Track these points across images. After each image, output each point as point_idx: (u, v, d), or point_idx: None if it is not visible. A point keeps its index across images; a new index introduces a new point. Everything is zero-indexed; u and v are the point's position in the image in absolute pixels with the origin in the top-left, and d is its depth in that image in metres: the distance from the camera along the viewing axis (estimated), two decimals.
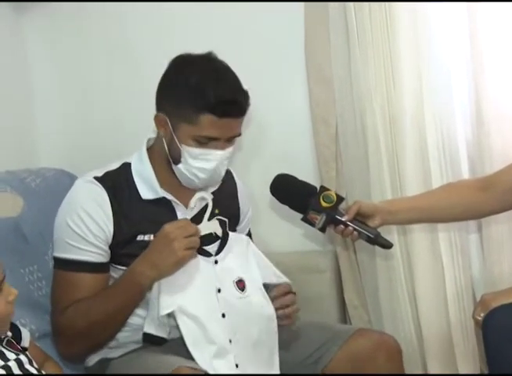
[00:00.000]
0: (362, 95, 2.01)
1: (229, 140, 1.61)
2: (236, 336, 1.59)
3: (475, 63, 1.94)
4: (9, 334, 1.37)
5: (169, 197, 1.64)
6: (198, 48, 1.63)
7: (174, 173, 1.65)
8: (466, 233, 2.05)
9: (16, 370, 1.30)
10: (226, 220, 1.71)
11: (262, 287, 1.66)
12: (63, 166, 1.99)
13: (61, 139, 2.29)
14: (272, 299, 1.65)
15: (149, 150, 1.69)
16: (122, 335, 1.63)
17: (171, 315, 1.54)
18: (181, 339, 1.55)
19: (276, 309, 1.63)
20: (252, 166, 2.19)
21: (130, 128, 2.22)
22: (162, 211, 1.64)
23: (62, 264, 1.61)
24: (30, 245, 1.70)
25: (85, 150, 2.26)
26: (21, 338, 1.40)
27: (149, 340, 1.56)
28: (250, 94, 1.60)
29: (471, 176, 2.00)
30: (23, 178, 1.81)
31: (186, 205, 1.66)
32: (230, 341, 1.58)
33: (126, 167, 1.67)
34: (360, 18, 1.97)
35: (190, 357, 1.53)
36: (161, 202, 1.64)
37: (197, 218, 1.63)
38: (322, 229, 1.66)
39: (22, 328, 1.43)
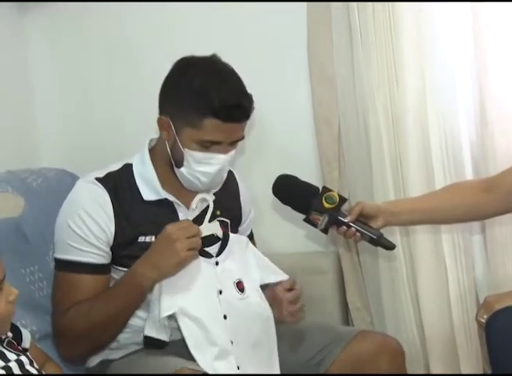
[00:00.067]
0: (364, 95, 2.00)
1: (232, 144, 1.61)
2: (237, 337, 1.59)
3: (479, 62, 1.93)
4: (10, 334, 1.37)
5: (171, 198, 1.64)
6: (199, 48, 1.62)
7: (175, 174, 1.64)
8: (469, 235, 2.04)
9: (16, 371, 1.30)
10: (228, 221, 1.71)
11: (259, 289, 1.66)
12: (64, 166, 1.99)
13: (61, 139, 2.29)
14: (272, 298, 1.65)
15: (151, 151, 1.68)
16: (123, 337, 1.63)
17: (172, 316, 1.54)
18: (182, 341, 1.55)
19: (280, 307, 1.64)
20: (254, 166, 2.18)
21: (130, 128, 2.22)
22: (164, 212, 1.63)
23: (63, 265, 1.61)
24: (31, 245, 1.70)
25: (86, 150, 2.26)
26: (22, 339, 1.40)
27: (150, 343, 1.55)
28: (252, 94, 1.59)
29: (475, 177, 1.99)
30: (24, 179, 1.80)
31: (188, 206, 1.65)
32: (231, 343, 1.58)
33: (128, 168, 1.67)
34: (363, 18, 1.96)
35: (192, 359, 1.53)
36: (163, 203, 1.64)
37: (199, 220, 1.63)
38: (325, 230, 1.65)
39: (22, 329, 1.43)
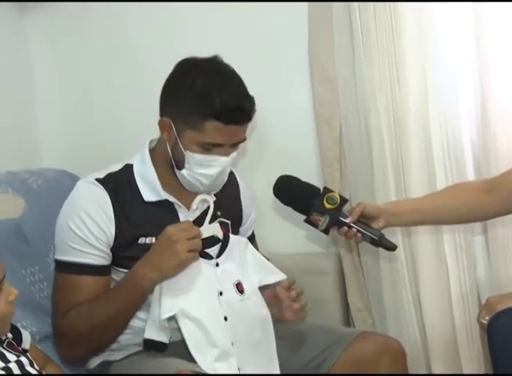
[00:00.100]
0: (366, 96, 2.00)
1: (234, 146, 1.60)
2: (238, 339, 1.59)
3: (481, 63, 1.93)
4: (10, 335, 1.36)
5: (171, 199, 1.64)
6: (199, 49, 1.62)
7: (176, 175, 1.64)
8: (471, 235, 2.04)
9: (16, 372, 1.29)
10: (228, 222, 1.70)
11: (258, 289, 1.66)
12: (64, 166, 1.99)
13: (62, 139, 2.29)
14: (272, 297, 1.64)
15: (152, 151, 1.68)
16: (124, 338, 1.62)
17: (172, 318, 1.54)
18: (182, 342, 1.55)
19: (280, 306, 1.63)
20: (255, 167, 2.18)
21: (130, 128, 2.22)
22: (164, 213, 1.63)
23: (63, 267, 1.60)
24: (31, 246, 1.70)
25: (86, 150, 2.26)
26: (21, 340, 1.39)
27: (150, 346, 1.55)
28: (253, 95, 1.58)
29: (476, 177, 1.99)
30: (25, 179, 1.80)
31: (188, 207, 1.65)
32: (232, 344, 1.58)
33: (128, 168, 1.66)
34: (365, 18, 1.96)
35: (192, 360, 1.53)
36: (163, 204, 1.63)
37: (199, 221, 1.62)
38: (326, 231, 1.65)
39: (22, 330, 1.42)
